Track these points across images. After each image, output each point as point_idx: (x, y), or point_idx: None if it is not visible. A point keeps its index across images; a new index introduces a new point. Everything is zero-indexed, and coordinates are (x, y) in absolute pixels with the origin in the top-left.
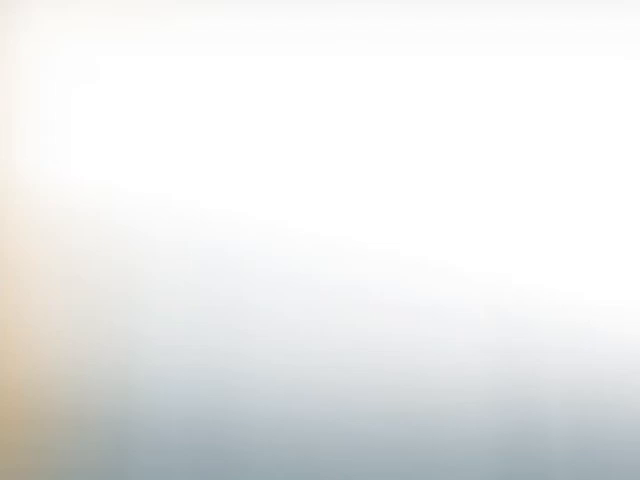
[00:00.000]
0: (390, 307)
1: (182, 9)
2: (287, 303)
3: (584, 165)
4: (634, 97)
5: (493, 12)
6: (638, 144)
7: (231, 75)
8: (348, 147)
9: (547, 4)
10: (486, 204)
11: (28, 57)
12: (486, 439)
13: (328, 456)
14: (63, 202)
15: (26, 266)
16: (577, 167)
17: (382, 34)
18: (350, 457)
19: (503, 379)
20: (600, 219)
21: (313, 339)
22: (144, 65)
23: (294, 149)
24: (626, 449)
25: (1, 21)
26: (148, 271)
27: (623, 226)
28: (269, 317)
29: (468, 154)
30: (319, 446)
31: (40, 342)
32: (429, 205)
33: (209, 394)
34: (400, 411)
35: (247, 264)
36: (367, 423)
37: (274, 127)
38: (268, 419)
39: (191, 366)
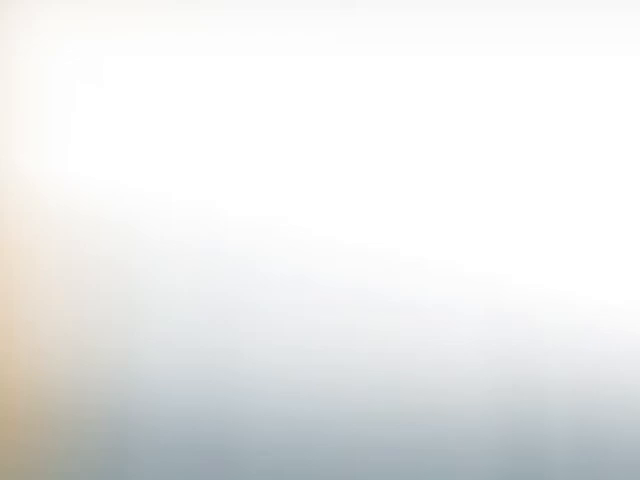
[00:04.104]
0: (390, 307)
1: (182, 9)
2: (287, 303)
3: (584, 166)
4: (634, 97)
5: (493, 12)
6: (638, 144)
7: (231, 75)
8: (349, 147)
9: (547, 4)
10: (486, 204)
11: (28, 57)
12: (486, 439)
13: (328, 456)
14: (63, 201)
15: (26, 265)
16: (577, 168)
17: (382, 34)
18: (350, 456)
19: (503, 379)
20: (601, 219)
21: (313, 339)
22: (144, 64)
23: (295, 149)
24: (626, 449)
25: (1, 21)
26: (148, 270)
27: (623, 227)
28: (269, 317)
29: (469, 154)
30: (319, 446)
31: (40, 342)
32: (429, 205)
33: (209, 394)
34: (400, 411)
35: (247, 264)
36: (367, 423)
37: (275, 127)
38: (268, 419)
39: (191, 366)
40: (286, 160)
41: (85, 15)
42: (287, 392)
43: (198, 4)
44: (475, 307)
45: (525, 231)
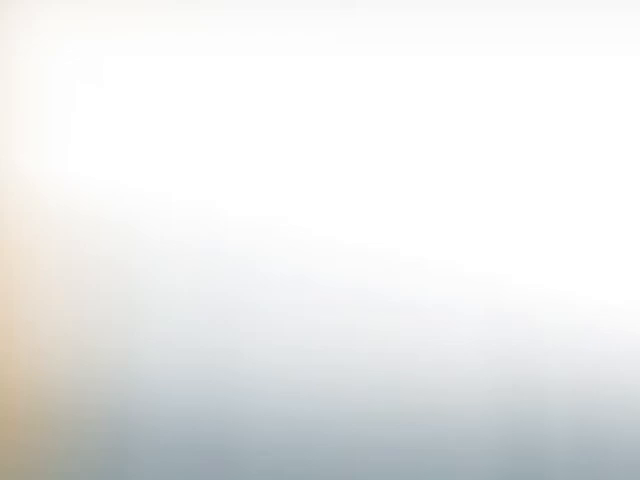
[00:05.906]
0: (390, 307)
1: (182, 9)
2: (287, 303)
3: (584, 166)
4: (634, 97)
5: (493, 12)
6: (638, 144)
7: (231, 75)
8: (349, 148)
9: (547, 4)
10: (486, 205)
11: (28, 57)
12: (486, 439)
13: (328, 456)
14: (63, 201)
15: (26, 265)
16: (577, 168)
17: (382, 34)
18: (350, 456)
19: (503, 379)
20: (600, 220)
21: (313, 339)
22: (144, 64)
23: (295, 149)
24: (626, 449)
25: (1, 21)
26: (148, 270)
27: (623, 227)
28: (269, 317)
29: (468, 155)
30: (319, 446)
31: (40, 342)
32: (429, 206)
33: (209, 394)
34: (400, 411)
35: (247, 264)
36: (367, 423)
37: (275, 127)
38: (268, 419)
39: (191, 366)
40: (286, 160)
41: (85, 15)
42: (287, 392)
43: (198, 4)
44: (475, 307)
45: (525, 231)
